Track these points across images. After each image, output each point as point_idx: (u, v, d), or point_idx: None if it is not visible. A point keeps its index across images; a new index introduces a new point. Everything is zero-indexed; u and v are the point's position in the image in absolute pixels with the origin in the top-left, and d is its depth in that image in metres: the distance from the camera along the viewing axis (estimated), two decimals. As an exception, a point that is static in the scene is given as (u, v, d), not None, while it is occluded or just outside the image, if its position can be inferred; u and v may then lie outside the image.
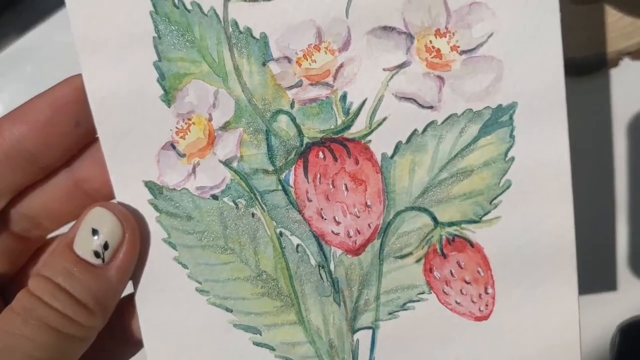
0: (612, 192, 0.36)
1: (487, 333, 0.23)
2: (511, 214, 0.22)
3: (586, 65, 0.34)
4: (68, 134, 0.23)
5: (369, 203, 0.23)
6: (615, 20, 0.34)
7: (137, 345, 0.25)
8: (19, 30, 0.37)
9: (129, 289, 0.24)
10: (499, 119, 0.22)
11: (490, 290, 0.23)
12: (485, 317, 0.23)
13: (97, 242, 0.22)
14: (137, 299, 0.24)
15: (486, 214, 0.23)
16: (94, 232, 0.22)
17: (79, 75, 0.22)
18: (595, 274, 0.36)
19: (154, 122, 0.23)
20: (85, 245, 0.22)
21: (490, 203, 0.22)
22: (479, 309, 0.23)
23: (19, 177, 0.23)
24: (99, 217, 0.22)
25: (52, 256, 0.22)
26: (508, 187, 0.22)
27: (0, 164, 0.22)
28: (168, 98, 0.22)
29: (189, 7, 0.22)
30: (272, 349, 0.24)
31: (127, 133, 0.23)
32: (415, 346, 0.24)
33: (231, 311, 0.24)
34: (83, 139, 0.23)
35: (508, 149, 0.22)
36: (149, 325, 0.24)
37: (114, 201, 0.23)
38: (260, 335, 0.24)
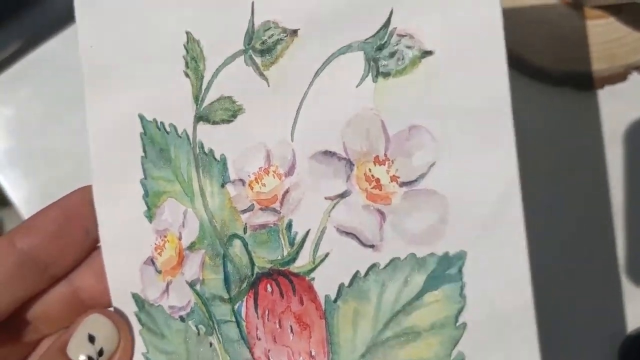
0: (622, 203, 0.34)
1: None
2: None
3: (592, 80, 0.34)
4: (79, 242, 0.24)
5: (313, 353, 0.19)
6: (624, 35, 0.34)
7: None
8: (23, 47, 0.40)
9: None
10: (445, 270, 0.17)
11: None
12: None
13: (92, 348, 0.23)
14: None
15: (437, 393, 0.17)
16: (91, 337, 0.23)
17: (89, 186, 0.24)
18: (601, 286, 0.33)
19: (139, 237, 0.23)
20: (80, 350, 0.22)
21: (441, 379, 0.17)
22: None
23: (29, 287, 0.24)
24: (97, 323, 0.23)
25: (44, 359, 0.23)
26: (461, 363, 0.17)
27: (13, 274, 0.23)
28: (150, 214, 0.23)
29: (168, 129, 0.22)
30: None
31: (120, 245, 0.24)
32: None
33: None
34: (93, 246, 0.25)
35: (459, 312, 0.17)
36: None
37: (110, 309, 0.24)
38: None
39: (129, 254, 0.24)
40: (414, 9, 0.17)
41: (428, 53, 0.17)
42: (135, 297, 0.24)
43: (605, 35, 0.34)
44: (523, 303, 0.16)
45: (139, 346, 0.24)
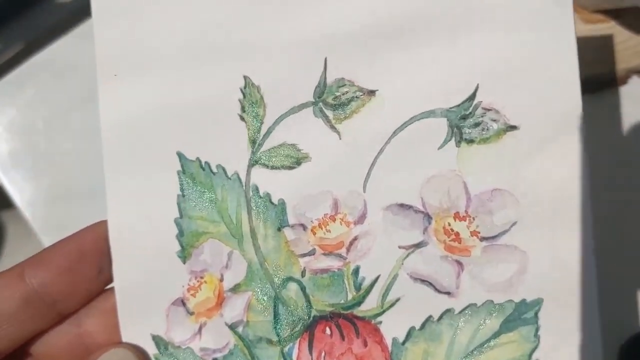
0: (622, 204, 0.35)
1: None
2: None
3: (597, 83, 0.35)
4: (91, 280, 0.23)
5: (375, 392, 0.21)
6: (625, 40, 0.35)
7: None
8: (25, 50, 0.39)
9: None
10: (522, 315, 0.19)
11: None
12: None
13: None
14: None
15: (509, 423, 0.19)
16: None
17: (104, 222, 0.23)
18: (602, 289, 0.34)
19: (168, 277, 0.23)
20: None
21: (514, 413, 0.19)
22: None
23: (37, 323, 0.23)
24: (119, 357, 0.22)
25: None
26: (535, 395, 0.19)
27: (21, 309, 0.22)
28: (184, 254, 0.23)
29: (215, 169, 0.22)
30: None
31: (142, 285, 0.23)
32: None
33: None
34: (104, 285, 0.24)
35: (532, 350, 0.19)
36: None
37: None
38: None
39: (152, 295, 0.23)
40: (499, 85, 0.20)
41: (513, 127, 0.20)
42: (157, 339, 0.23)
43: (606, 39, 0.34)
44: (591, 338, 0.19)
45: (157, 391, 0.23)
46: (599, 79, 0.35)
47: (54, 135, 0.39)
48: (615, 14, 0.35)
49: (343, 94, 0.21)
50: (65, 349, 0.24)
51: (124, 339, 0.23)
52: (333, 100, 0.21)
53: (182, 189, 0.23)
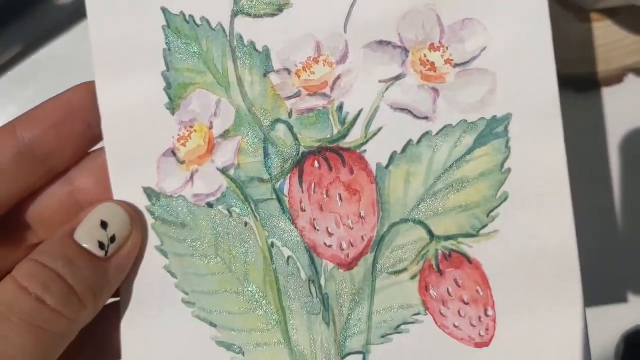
0: (620, 202, 0.36)
1: None
2: (509, 227, 0.22)
3: (590, 82, 0.35)
4: (80, 135, 0.23)
5: (362, 214, 0.22)
6: (620, 38, 0.35)
7: (116, 356, 0.24)
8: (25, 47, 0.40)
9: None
10: (493, 129, 0.22)
11: (490, 312, 0.22)
12: (486, 343, 0.22)
13: (104, 233, 0.22)
14: (122, 304, 0.23)
15: (483, 227, 0.22)
16: (103, 223, 0.22)
17: (92, 82, 0.23)
18: (601, 285, 0.35)
19: (158, 129, 0.23)
20: (90, 236, 0.22)
21: (487, 215, 0.22)
22: (479, 334, 0.22)
23: (29, 178, 0.23)
24: (110, 211, 0.22)
25: (48, 244, 0.21)
26: (505, 199, 0.22)
27: (13, 163, 0.22)
28: (172, 106, 0.23)
29: (198, 22, 0.23)
30: None
31: (132, 139, 0.23)
32: None
33: (215, 326, 0.23)
34: (93, 141, 0.24)
35: (504, 160, 0.22)
36: (129, 334, 0.23)
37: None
38: (243, 355, 0.23)
39: (141, 148, 0.23)
40: None
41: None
42: (148, 191, 0.23)
43: (602, 38, 0.35)
44: (557, 157, 0.21)
45: (150, 240, 0.23)
46: (594, 77, 0.35)
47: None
48: (611, 13, 0.35)
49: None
50: (57, 209, 0.24)
51: (115, 195, 0.23)
52: (309, -52, 0.23)
53: (167, 43, 0.23)
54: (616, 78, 0.36)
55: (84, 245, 0.22)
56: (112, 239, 0.22)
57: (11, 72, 0.41)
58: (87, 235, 0.22)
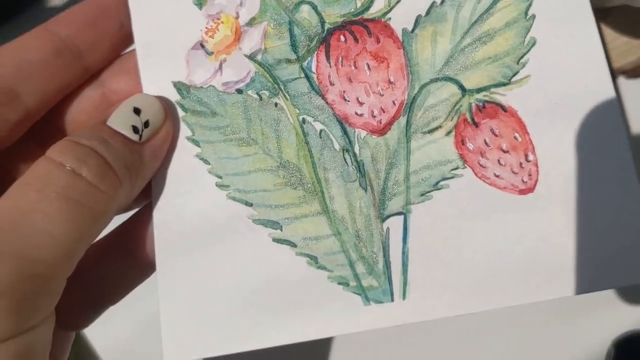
0: None
1: (536, 206, 0.20)
2: (541, 71, 0.21)
3: None
4: (113, 35, 0.24)
5: (392, 80, 0.22)
6: (611, 40, 0.35)
7: (149, 268, 0.23)
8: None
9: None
10: (515, -22, 0.22)
11: (531, 157, 0.21)
12: (531, 189, 0.21)
13: (138, 118, 0.22)
14: (154, 194, 0.23)
15: (515, 74, 0.21)
16: (136, 110, 0.22)
17: None
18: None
19: (186, 25, 0.24)
20: (124, 121, 0.22)
21: (518, 62, 0.21)
22: (522, 180, 0.21)
23: (66, 76, 0.23)
24: (143, 99, 0.22)
25: (82, 130, 0.21)
26: (533, 45, 0.21)
27: (51, 58, 0.23)
28: (200, 1, 0.24)
29: None
30: (294, 245, 0.22)
31: (161, 36, 0.24)
32: (451, 231, 0.21)
33: (251, 205, 0.22)
34: (126, 42, 0.25)
35: (528, 7, 0.22)
36: (163, 220, 0.22)
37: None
38: (281, 230, 0.22)
39: (171, 44, 0.24)
40: None
41: None
42: (178, 85, 0.24)
43: None
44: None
45: (182, 132, 0.23)
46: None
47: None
48: (602, 14, 0.36)
49: None
50: (91, 110, 0.24)
51: (145, 91, 0.24)
52: None
53: (192, -54, 0.24)
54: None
55: (119, 129, 0.22)
56: (147, 124, 0.22)
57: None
58: (121, 121, 0.22)
